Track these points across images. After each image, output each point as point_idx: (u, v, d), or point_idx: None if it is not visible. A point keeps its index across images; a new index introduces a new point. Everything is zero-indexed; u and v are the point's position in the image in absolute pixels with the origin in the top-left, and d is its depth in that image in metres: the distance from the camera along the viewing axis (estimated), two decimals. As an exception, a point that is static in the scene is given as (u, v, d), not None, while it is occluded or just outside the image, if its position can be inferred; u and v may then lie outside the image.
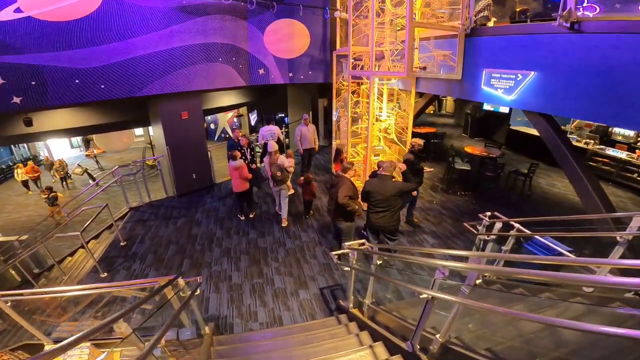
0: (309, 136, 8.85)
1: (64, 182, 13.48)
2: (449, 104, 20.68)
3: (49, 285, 6.39)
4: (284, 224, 7.01)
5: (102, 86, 6.91)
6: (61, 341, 1.39)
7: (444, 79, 5.99)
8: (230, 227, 7.12)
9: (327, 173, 9.93)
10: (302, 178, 6.76)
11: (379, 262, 3.89)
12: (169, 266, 5.81)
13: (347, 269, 3.95)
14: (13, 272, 6.33)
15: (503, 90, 4.87)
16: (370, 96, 6.70)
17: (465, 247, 6.00)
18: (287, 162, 7.00)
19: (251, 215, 7.46)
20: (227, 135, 16.84)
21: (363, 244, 4.15)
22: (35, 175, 13.02)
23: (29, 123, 7.35)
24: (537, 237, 4.25)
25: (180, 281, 3.27)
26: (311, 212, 7.24)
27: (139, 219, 7.58)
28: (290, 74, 9.94)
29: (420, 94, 7.66)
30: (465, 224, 4.96)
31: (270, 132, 8.62)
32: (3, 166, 16.41)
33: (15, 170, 13.32)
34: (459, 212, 7.42)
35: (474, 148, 9.30)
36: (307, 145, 8.93)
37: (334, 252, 4.23)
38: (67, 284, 5.86)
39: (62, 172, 13.23)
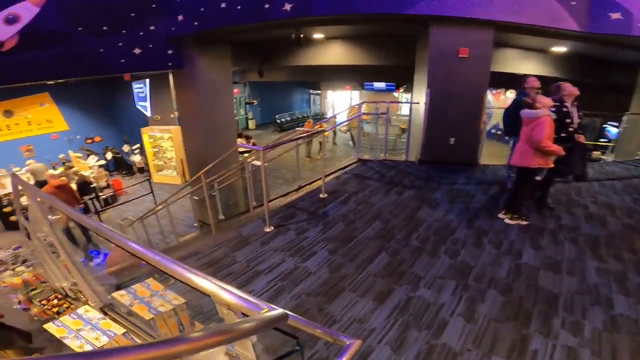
0: None
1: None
2: None
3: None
4: None
5: (369, -5, 5.28)
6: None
7: None
8: (487, 230, 3.82)
9: None
10: None
11: None
12: (349, 254, 3.36)
13: None
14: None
15: None
16: None
17: None
18: None
19: (511, 221, 3.89)
20: (499, 132, 13.29)
21: None
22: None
23: (298, 42, 7.15)
24: None
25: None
26: None
27: (360, 174, 5.59)
28: (680, 26, 4.85)
29: None
30: None
31: None
32: (300, 116, 20.15)
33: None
34: None
35: None
36: None
37: None
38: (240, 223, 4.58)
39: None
